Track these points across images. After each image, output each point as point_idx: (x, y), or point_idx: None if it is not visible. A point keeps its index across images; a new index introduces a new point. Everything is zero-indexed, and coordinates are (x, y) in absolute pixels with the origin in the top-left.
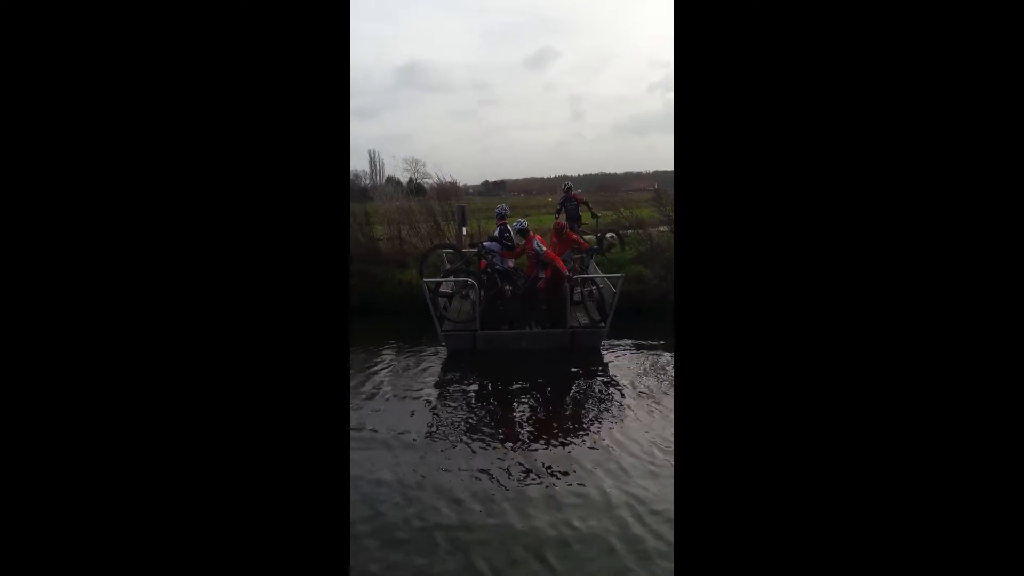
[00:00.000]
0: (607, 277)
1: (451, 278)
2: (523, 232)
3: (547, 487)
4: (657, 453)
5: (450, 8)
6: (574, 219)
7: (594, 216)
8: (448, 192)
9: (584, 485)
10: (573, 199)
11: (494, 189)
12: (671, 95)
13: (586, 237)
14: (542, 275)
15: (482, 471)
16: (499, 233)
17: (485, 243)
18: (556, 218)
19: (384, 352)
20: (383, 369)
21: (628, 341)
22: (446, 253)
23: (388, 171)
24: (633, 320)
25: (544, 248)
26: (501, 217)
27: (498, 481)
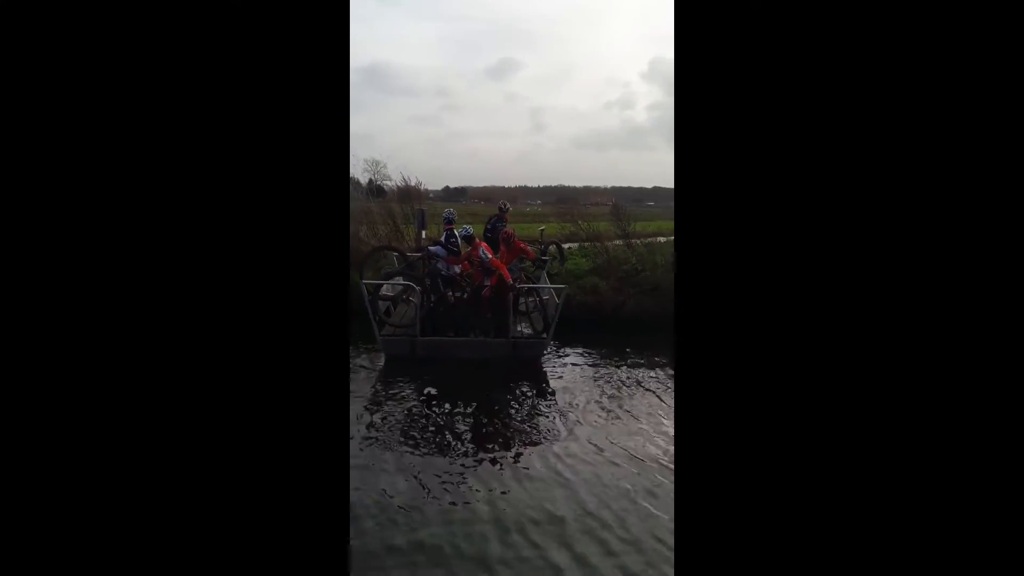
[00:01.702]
0: (553, 288)
1: (393, 280)
2: (469, 239)
3: (451, 504)
4: (561, 467)
5: (415, 13)
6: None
7: (541, 232)
8: (410, 195)
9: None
10: (504, 220)
11: (455, 195)
12: (628, 113)
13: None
14: (487, 283)
15: (386, 490)
16: (445, 238)
17: (431, 247)
18: (487, 234)
19: None
20: None
21: (579, 350)
22: (394, 256)
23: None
24: (586, 330)
25: (489, 256)
26: (448, 222)
27: (387, 494)
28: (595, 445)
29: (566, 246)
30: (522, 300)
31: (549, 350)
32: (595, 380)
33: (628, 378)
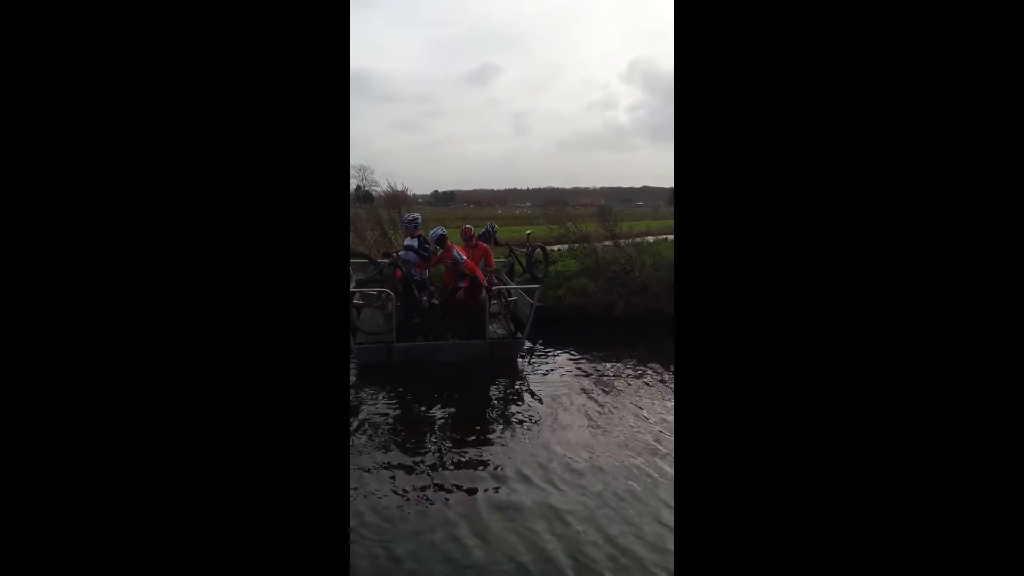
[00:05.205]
0: (523, 288)
1: (364, 288)
2: (441, 240)
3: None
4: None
5: (392, 19)
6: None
7: (528, 236)
8: (398, 200)
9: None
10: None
11: (444, 199)
12: (610, 114)
13: (517, 250)
14: (461, 285)
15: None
16: (418, 244)
17: (400, 253)
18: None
19: None
20: None
21: (566, 351)
22: (360, 262)
23: None
24: (575, 332)
25: (464, 257)
26: (415, 227)
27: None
28: (572, 444)
29: (555, 248)
30: (494, 301)
31: (536, 351)
32: (578, 380)
33: (614, 378)
